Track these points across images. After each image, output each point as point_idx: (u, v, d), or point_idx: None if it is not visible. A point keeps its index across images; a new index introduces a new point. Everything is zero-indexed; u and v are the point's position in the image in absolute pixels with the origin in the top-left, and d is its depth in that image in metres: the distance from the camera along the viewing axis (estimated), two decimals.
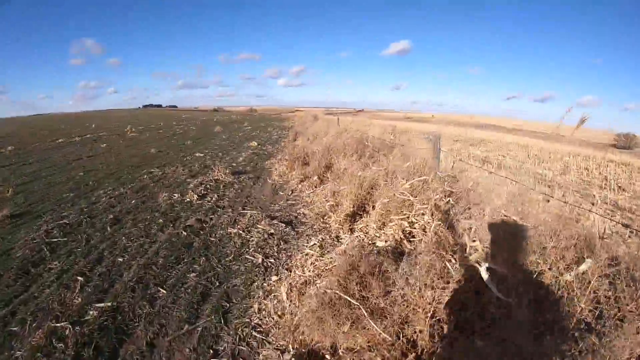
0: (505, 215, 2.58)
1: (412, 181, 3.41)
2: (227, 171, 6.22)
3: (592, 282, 1.82)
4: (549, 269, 1.97)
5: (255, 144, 11.08)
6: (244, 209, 4.50)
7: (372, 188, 3.67)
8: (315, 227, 3.77)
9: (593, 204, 4.45)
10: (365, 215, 3.52)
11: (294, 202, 4.78)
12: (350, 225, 3.51)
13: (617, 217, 4.15)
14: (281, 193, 5.24)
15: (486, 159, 8.99)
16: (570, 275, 1.91)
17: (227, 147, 10.77)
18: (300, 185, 5.49)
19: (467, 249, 2.28)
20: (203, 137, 14.00)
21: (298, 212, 4.34)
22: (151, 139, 13.47)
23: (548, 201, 3.37)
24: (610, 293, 1.81)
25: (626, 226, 2.91)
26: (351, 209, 3.63)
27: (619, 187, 8.14)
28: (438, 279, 1.77)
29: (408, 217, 3.04)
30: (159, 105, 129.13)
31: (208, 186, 5.58)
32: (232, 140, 12.53)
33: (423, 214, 2.96)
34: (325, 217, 3.93)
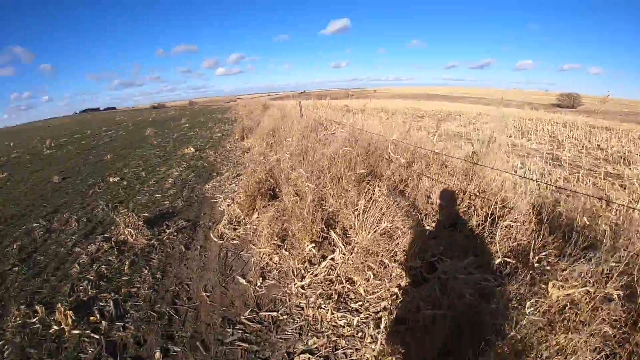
0: None
1: None
2: (141, 222, 3.87)
3: None
4: None
5: (192, 150, 8.80)
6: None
7: None
8: None
9: None
10: None
11: (277, 315, 2.25)
12: None
13: None
14: (241, 281, 2.70)
15: (491, 139, 7.00)
16: None
17: (155, 159, 8.33)
18: (277, 259, 2.80)
19: None
20: (129, 145, 11.27)
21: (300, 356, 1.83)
22: (68, 155, 10.50)
23: None
24: None
25: None
26: None
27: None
28: None
29: None
30: (97, 109, 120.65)
31: (103, 269, 3.13)
32: (164, 147, 10.03)
33: None
34: None
